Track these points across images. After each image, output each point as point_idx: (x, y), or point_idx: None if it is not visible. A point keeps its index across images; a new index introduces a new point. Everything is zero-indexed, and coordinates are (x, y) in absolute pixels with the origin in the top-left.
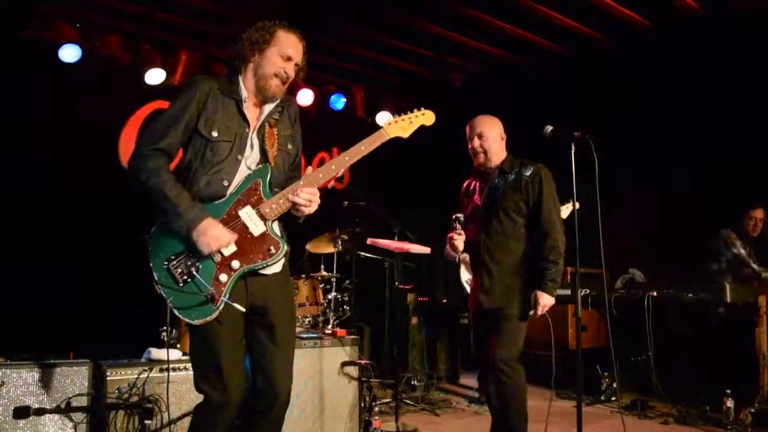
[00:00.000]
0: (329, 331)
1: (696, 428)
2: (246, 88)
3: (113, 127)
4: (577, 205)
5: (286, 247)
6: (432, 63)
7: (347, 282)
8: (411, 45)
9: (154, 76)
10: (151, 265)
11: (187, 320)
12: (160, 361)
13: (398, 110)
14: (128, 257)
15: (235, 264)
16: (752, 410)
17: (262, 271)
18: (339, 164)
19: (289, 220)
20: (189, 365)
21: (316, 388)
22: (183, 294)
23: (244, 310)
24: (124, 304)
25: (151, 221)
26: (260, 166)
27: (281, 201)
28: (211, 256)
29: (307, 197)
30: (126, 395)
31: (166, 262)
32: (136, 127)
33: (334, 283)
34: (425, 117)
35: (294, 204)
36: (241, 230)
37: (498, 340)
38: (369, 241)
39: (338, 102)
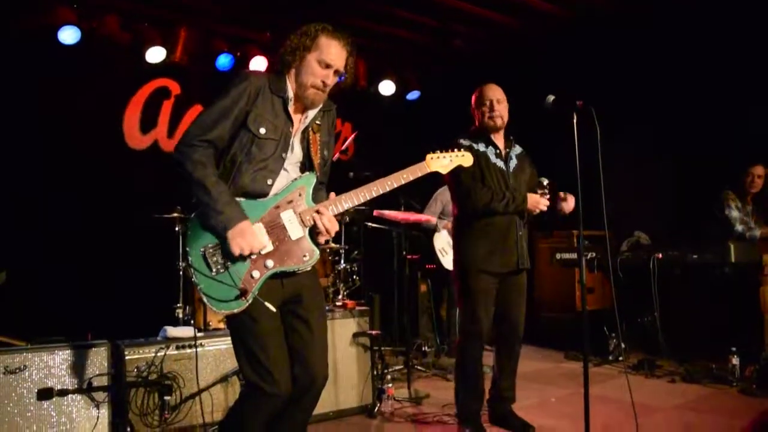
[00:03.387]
0: (340, 303)
1: (702, 386)
2: (291, 90)
3: (116, 108)
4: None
5: (318, 255)
6: (434, 30)
7: (356, 253)
8: (412, 13)
9: (155, 55)
10: (188, 249)
11: (213, 308)
12: (176, 339)
13: (401, 79)
14: (139, 237)
15: (270, 263)
16: (757, 366)
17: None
18: (379, 188)
19: None
20: (204, 341)
21: (330, 359)
22: (214, 282)
23: (274, 309)
24: (139, 284)
25: (158, 200)
26: (306, 173)
27: (326, 210)
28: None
29: (327, 225)
30: (145, 373)
31: (203, 249)
32: (139, 106)
33: (342, 255)
34: (464, 159)
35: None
36: (280, 232)
37: (522, 301)
38: (375, 212)
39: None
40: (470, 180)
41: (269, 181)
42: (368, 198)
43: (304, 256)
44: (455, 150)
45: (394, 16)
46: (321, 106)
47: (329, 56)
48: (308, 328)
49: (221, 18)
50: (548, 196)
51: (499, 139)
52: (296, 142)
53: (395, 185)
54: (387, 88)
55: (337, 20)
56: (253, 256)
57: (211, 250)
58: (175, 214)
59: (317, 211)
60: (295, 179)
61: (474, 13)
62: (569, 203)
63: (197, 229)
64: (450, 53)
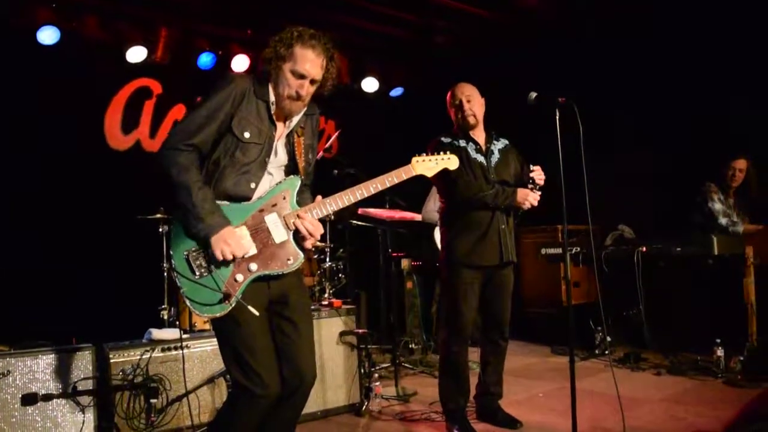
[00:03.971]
0: (326, 302)
1: (688, 378)
2: (272, 95)
3: (97, 108)
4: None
5: (302, 260)
6: (416, 26)
7: (341, 251)
8: (393, 9)
9: (136, 54)
10: (171, 252)
11: (196, 312)
12: (162, 341)
13: (384, 76)
14: (122, 239)
15: (253, 267)
16: (741, 358)
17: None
18: (364, 191)
19: None
20: (190, 343)
21: (316, 358)
22: (197, 286)
23: (257, 313)
24: (122, 286)
25: (141, 202)
26: (291, 176)
27: (308, 215)
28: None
29: (310, 229)
30: (130, 376)
31: (186, 252)
32: (121, 106)
33: (328, 253)
34: (450, 162)
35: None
36: (264, 236)
37: (508, 296)
38: (360, 210)
39: None
40: (457, 171)
41: (252, 185)
42: (353, 201)
43: (288, 259)
44: (440, 153)
45: (376, 12)
46: (305, 110)
47: (303, 67)
48: (295, 328)
49: (202, 16)
50: (539, 191)
51: (479, 135)
52: (280, 146)
53: (380, 188)
54: (370, 84)
55: (319, 16)
56: (237, 260)
57: (194, 254)
58: (159, 215)
59: (298, 216)
60: (279, 182)
61: (456, 9)
62: (537, 173)
63: (181, 232)
64: (433, 49)
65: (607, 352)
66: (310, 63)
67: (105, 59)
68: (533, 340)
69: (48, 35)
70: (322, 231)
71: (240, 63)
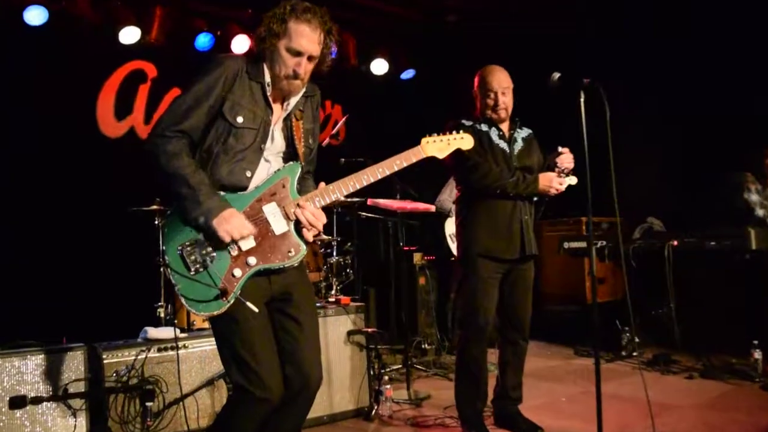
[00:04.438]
0: (333, 300)
1: (722, 382)
2: (268, 75)
3: (88, 93)
4: (575, 180)
5: (304, 251)
6: (426, 4)
7: (349, 245)
8: None
9: (129, 35)
10: (164, 248)
11: (192, 311)
12: (158, 341)
13: (393, 57)
14: (116, 232)
15: (252, 260)
16: None
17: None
18: (370, 176)
19: None
20: (188, 343)
21: (323, 359)
22: (193, 283)
23: (257, 310)
24: (116, 282)
25: (136, 192)
26: (290, 163)
27: (308, 204)
28: (228, 249)
29: (310, 219)
30: (125, 378)
31: (180, 248)
32: (113, 91)
33: (335, 247)
34: (464, 141)
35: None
36: (263, 226)
37: (529, 293)
38: (369, 201)
39: None
40: (476, 156)
41: (248, 173)
42: (358, 187)
43: (290, 251)
44: (453, 132)
45: None
46: (303, 91)
47: (299, 43)
48: (299, 326)
49: None
50: (566, 177)
51: (503, 122)
52: (277, 130)
53: (387, 172)
54: (379, 66)
55: None
56: (234, 253)
57: (189, 249)
58: (154, 207)
59: (298, 205)
60: (278, 170)
61: None
62: (564, 157)
63: (175, 226)
64: (445, 29)
65: (634, 353)
66: (306, 39)
67: (96, 41)
68: (555, 341)
69: (35, 15)
70: (324, 221)
71: (240, 44)
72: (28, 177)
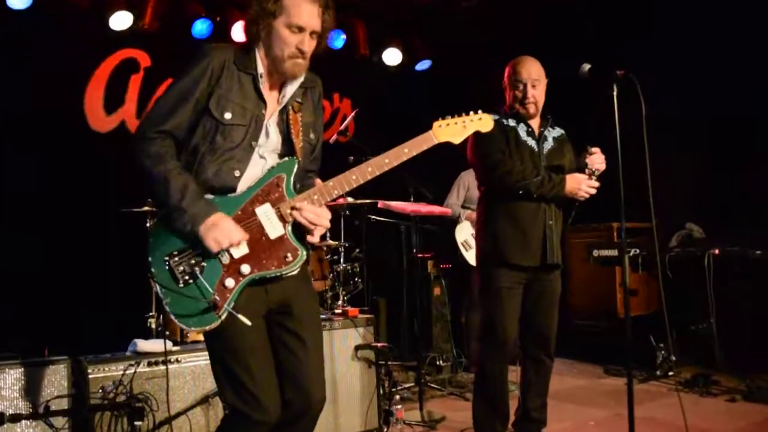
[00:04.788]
0: (340, 311)
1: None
2: (263, 65)
3: (76, 84)
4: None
5: (305, 255)
6: None
7: (357, 251)
8: None
9: (120, 20)
10: (150, 260)
11: (183, 326)
12: (148, 354)
13: (407, 46)
14: (105, 236)
15: (245, 269)
16: None
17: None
18: (374, 168)
19: None
20: (181, 357)
21: (328, 375)
22: (182, 297)
23: (249, 323)
24: (104, 290)
25: (127, 192)
26: (285, 158)
27: (306, 203)
28: (219, 257)
29: (311, 218)
30: (111, 394)
31: (167, 258)
32: (103, 81)
33: (342, 253)
34: (482, 122)
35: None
36: (257, 231)
37: (555, 306)
38: (380, 204)
39: (337, 39)
40: (499, 154)
41: (236, 173)
42: (361, 182)
43: (286, 256)
44: (469, 114)
45: None
46: (301, 81)
47: (300, 18)
48: (301, 342)
49: None
50: (595, 179)
51: (534, 118)
52: (272, 125)
53: (395, 163)
54: (392, 57)
55: None
56: (226, 261)
57: (176, 260)
58: (146, 208)
59: (294, 207)
60: (272, 167)
61: None
62: (595, 158)
63: (160, 236)
64: (463, 15)
65: (671, 373)
66: (306, 12)
67: (84, 27)
68: (583, 358)
69: None
70: (329, 217)
71: (240, 31)
72: (9, 175)
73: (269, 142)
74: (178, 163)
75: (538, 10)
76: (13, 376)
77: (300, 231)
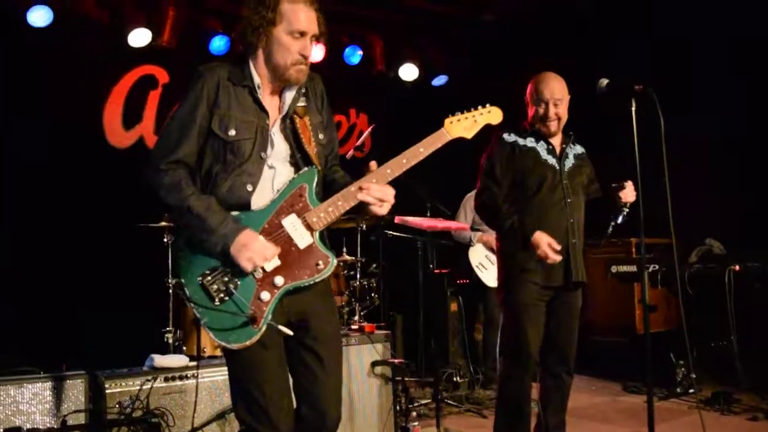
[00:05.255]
0: (356, 327)
1: None
2: (259, 74)
3: (95, 99)
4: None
5: (335, 262)
6: (461, 1)
7: (374, 266)
8: None
9: (139, 37)
10: (183, 281)
11: (223, 344)
12: (165, 369)
13: (424, 61)
14: (123, 251)
15: (279, 281)
16: None
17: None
18: (393, 170)
19: None
20: (198, 372)
21: (344, 392)
22: (219, 313)
23: (291, 333)
24: (121, 304)
25: (144, 207)
26: (305, 169)
27: (330, 209)
28: (253, 273)
29: (379, 195)
30: (128, 409)
31: (200, 278)
32: (122, 97)
33: (359, 269)
34: (491, 115)
35: (360, 205)
36: (285, 242)
37: (575, 323)
38: (397, 219)
39: (354, 55)
40: (488, 178)
41: (249, 187)
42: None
43: (318, 264)
44: (478, 108)
45: None
46: (296, 87)
47: (300, 24)
48: (318, 360)
49: None
50: (626, 212)
51: (554, 136)
52: (276, 134)
53: (413, 162)
54: (409, 72)
55: None
56: (259, 275)
57: (209, 279)
58: (163, 223)
59: (360, 188)
60: (293, 179)
61: None
62: (628, 191)
63: (189, 257)
64: (482, 29)
65: (691, 390)
66: (306, 17)
67: (103, 44)
68: (601, 375)
69: (39, 16)
70: (393, 192)
71: None
72: (31, 189)
73: (276, 151)
74: (195, 188)
75: (558, 25)
76: (32, 391)
77: (324, 239)
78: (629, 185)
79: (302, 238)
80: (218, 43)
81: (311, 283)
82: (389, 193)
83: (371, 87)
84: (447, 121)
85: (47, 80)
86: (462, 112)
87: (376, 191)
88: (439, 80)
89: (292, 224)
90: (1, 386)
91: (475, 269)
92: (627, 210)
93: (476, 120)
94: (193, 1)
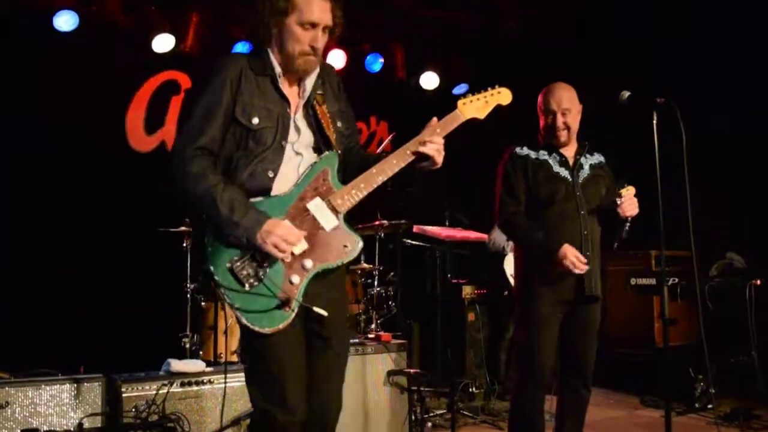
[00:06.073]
0: (373, 336)
1: None
2: (278, 64)
3: (118, 104)
4: (633, 190)
5: (361, 244)
6: (482, 10)
7: (392, 274)
8: None
9: (162, 43)
10: (212, 268)
11: (257, 328)
12: (181, 374)
13: (445, 70)
14: (142, 255)
15: (308, 263)
16: None
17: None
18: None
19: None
20: (214, 378)
21: (359, 400)
22: (251, 296)
23: (325, 314)
24: (139, 308)
25: (164, 212)
26: (326, 153)
27: (354, 191)
28: (281, 257)
29: (435, 147)
30: (144, 414)
31: (229, 264)
32: (144, 102)
33: (376, 277)
34: (501, 95)
35: (419, 156)
36: (311, 225)
37: (593, 337)
38: (416, 228)
39: (375, 63)
40: (505, 190)
41: (270, 174)
42: (402, 164)
43: (345, 246)
44: (488, 90)
45: None
46: (318, 72)
47: (312, 14)
48: (328, 352)
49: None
50: (628, 226)
51: (568, 147)
52: (300, 120)
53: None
54: (429, 80)
55: (372, 1)
56: (288, 259)
57: (239, 264)
58: (183, 228)
59: (423, 143)
60: (315, 163)
61: None
62: (626, 205)
63: (217, 245)
64: (502, 38)
65: (710, 406)
66: (318, 8)
67: (128, 49)
68: (619, 388)
69: (65, 21)
70: (443, 150)
71: None
72: (53, 192)
73: (302, 138)
74: (221, 177)
75: (580, 34)
76: (49, 393)
77: (350, 222)
78: (627, 198)
79: (328, 220)
80: (241, 50)
81: (339, 264)
82: (441, 144)
83: (392, 95)
84: (460, 102)
85: (71, 84)
86: (473, 94)
87: (437, 140)
88: (460, 89)
89: (317, 207)
90: (20, 387)
91: (510, 279)
92: (629, 224)
93: (487, 101)
94: (217, 8)
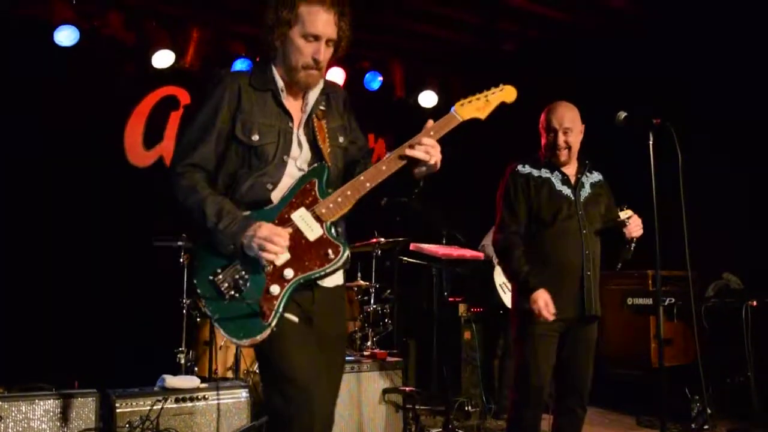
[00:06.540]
0: (368, 353)
1: None
2: (281, 78)
3: (117, 118)
4: (630, 213)
5: (347, 252)
6: (480, 30)
7: (388, 292)
8: (454, 9)
9: (162, 59)
10: (195, 280)
11: (233, 340)
12: (176, 390)
13: (444, 88)
14: (139, 269)
15: (289, 273)
16: None
17: (321, 283)
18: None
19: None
20: (208, 394)
21: (354, 418)
22: (229, 311)
23: (296, 320)
24: (135, 324)
25: (162, 226)
26: (315, 164)
27: (339, 199)
28: (263, 267)
29: (423, 148)
30: (138, 429)
31: (211, 276)
32: (143, 117)
33: (372, 294)
34: (505, 93)
35: (411, 160)
36: (295, 235)
37: (590, 357)
38: (412, 246)
39: (374, 81)
40: (507, 210)
41: (269, 186)
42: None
43: (327, 254)
44: (490, 88)
45: (435, 14)
46: (321, 87)
47: (315, 27)
48: (324, 364)
49: (239, 16)
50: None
51: (568, 165)
52: (302, 136)
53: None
54: (428, 98)
55: (369, 20)
56: (268, 268)
57: (220, 277)
58: (180, 243)
59: (412, 146)
60: (303, 175)
61: (525, 10)
62: (632, 227)
63: (203, 257)
64: (500, 58)
65: (706, 426)
66: (322, 21)
67: (127, 64)
68: (615, 408)
69: (66, 36)
70: (439, 153)
71: None
72: (50, 205)
73: (304, 153)
74: (211, 190)
75: (578, 54)
76: (43, 408)
77: (341, 230)
78: (633, 220)
79: (312, 229)
80: (241, 66)
81: (323, 273)
82: (436, 147)
83: (391, 113)
84: (457, 103)
85: (71, 99)
86: (473, 94)
87: (424, 146)
88: None
89: (301, 217)
90: (13, 402)
91: (498, 288)
92: (633, 245)
93: (488, 99)
94: (217, 24)
